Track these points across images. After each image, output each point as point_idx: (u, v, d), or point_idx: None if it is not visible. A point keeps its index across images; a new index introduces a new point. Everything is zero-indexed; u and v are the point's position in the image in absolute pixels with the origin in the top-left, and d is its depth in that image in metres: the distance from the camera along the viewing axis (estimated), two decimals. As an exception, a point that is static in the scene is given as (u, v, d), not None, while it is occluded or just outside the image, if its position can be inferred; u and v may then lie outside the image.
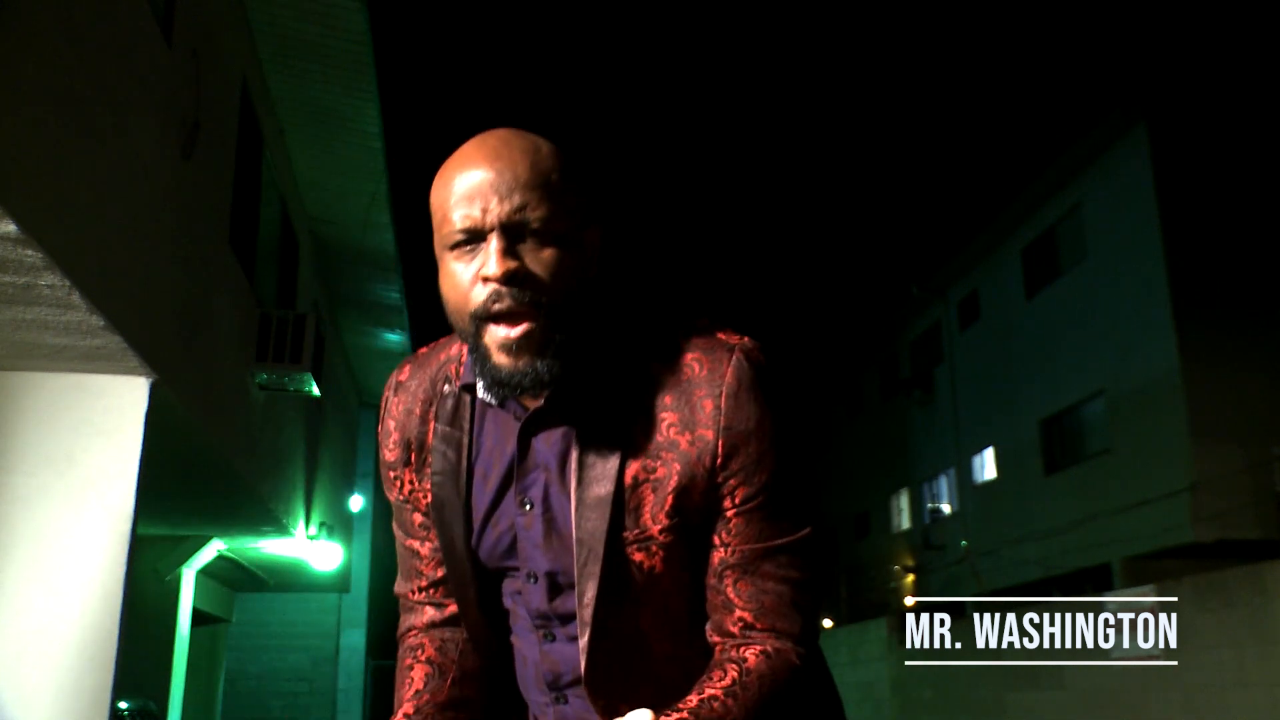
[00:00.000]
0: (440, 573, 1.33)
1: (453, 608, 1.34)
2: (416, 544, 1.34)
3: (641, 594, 1.21)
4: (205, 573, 10.81)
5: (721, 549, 1.20)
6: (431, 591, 1.35)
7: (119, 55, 4.42)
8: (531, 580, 1.24)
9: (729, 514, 1.19)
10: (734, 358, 1.19)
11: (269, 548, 10.42)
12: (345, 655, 16.12)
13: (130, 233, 4.63)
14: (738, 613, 1.20)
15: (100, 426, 5.03)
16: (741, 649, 1.20)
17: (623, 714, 1.19)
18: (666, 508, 1.18)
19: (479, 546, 1.26)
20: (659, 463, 1.17)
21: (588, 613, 1.19)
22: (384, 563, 16.17)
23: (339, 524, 12.34)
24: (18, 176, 3.45)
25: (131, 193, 4.64)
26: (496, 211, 1.11)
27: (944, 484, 21.30)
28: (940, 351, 21.13)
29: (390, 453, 1.32)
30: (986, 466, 19.31)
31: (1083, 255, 16.02)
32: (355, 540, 14.37)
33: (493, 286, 1.11)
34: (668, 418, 1.18)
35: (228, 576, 12.09)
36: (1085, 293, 15.92)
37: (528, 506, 1.22)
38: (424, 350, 1.36)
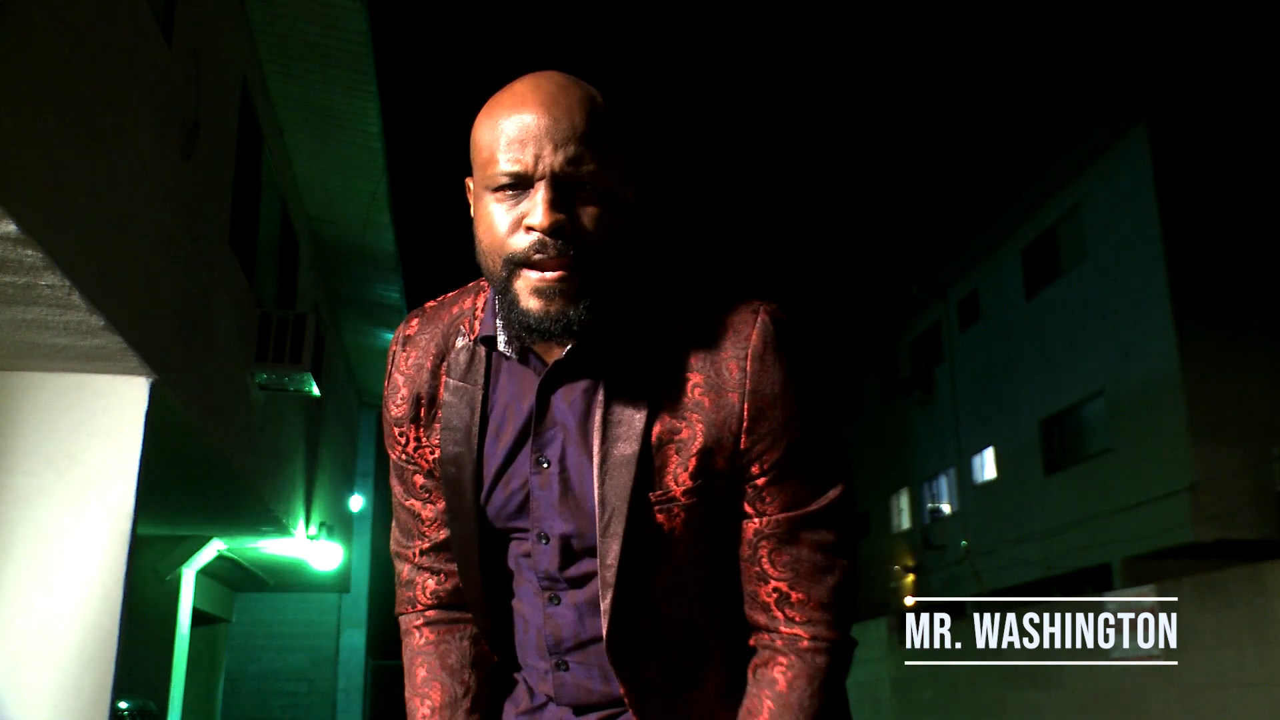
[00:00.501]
0: (442, 535, 1.30)
1: (454, 580, 1.32)
2: (418, 505, 1.31)
3: (659, 557, 1.19)
4: (205, 573, 10.81)
5: (756, 519, 1.19)
6: (434, 556, 1.32)
7: (119, 55, 4.42)
8: (543, 541, 1.22)
9: (759, 481, 1.18)
10: (758, 319, 1.17)
11: (269, 548, 10.42)
12: (345, 655, 16.12)
13: (130, 233, 4.63)
14: (773, 583, 1.19)
15: (100, 426, 5.03)
16: (770, 666, 1.20)
17: (638, 677, 1.21)
18: (690, 469, 1.16)
19: (488, 505, 1.24)
20: (684, 423, 1.16)
21: (610, 574, 1.17)
22: (384, 562, 16.15)
23: (339, 524, 12.34)
24: (18, 176, 3.45)
25: (131, 193, 4.65)
26: (549, 160, 1.09)
27: (944, 484, 21.30)
28: (940, 351, 21.13)
29: (397, 408, 1.28)
30: (986, 466, 19.32)
31: (1083, 255, 16.02)
32: (355, 540, 14.38)
33: (536, 236, 1.09)
34: (693, 378, 1.16)
35: (228, 576, 12.09)
36: (1085, 293, 15.92)
37: (544, 465, 1.20)
38: (432, 304, 1.32)
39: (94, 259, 4.15)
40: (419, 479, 1.30)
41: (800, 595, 1.19)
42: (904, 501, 23.30)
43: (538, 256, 1.09)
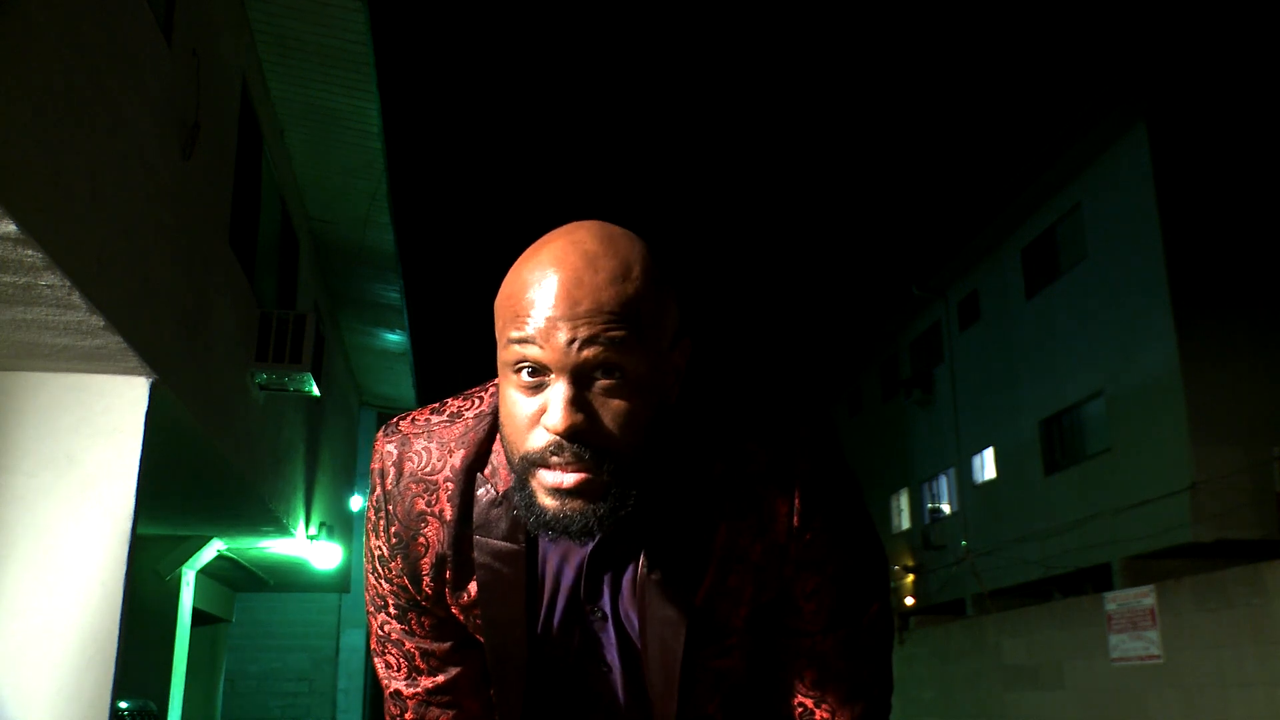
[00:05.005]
0: (455, 671, 1.25)
1: (472, 710, 1.27)
2: (428, 644, 1.24)
3: (715, 690, 1.21)
4: (205, 573, 10.81)
5: (790, 636, 1.19)
6: (449, 693, 1.26)
7: (119, 55, 4.42)
8: (607, 671, 1.22)
9: (799, 601, 1.17)
10: (798, 447, 1.12)
11: (269, 548, 10.43)
12: (345, 655, 16.13)
13: (130, 233, 4.63)
14: (799, 698, 1.20)
15: (100, 426, 5.03)
16: None
17: None
18: (743, 616, 1.15)
19: (539, 648, 1.19)
20: (731, 574, 1.13)
21: (670, 711, 1.18)
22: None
23: (339, 524, 12.34)
24: (18, 176, 3.45)
25: (131, 192, 4.65)
26: (572, 352, 0.97)
27: (944, 484, 21.30)
28: (940, 351, 21.13)
29: (397, 558, 1.18)
30: (986, 466, 19.32)
31: (1082, 255, 16.02)
32: (355, 540, 14.38)
33: (553, 438, 0.99)
34: (737, 527, 1.12)
35: (228, 576, 12.09)
36: (1085, 293, 15.93)
37: (598, 614, 1.17)
38: (429, 420, 1.19)
39: (94, 259, 4.15)
40: (427, 620, 1.22)
41: (825, 715, 1.19)
42: (904, 501, 23.31)
43: (554, 459, 0.99)
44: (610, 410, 0.99)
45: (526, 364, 0.99)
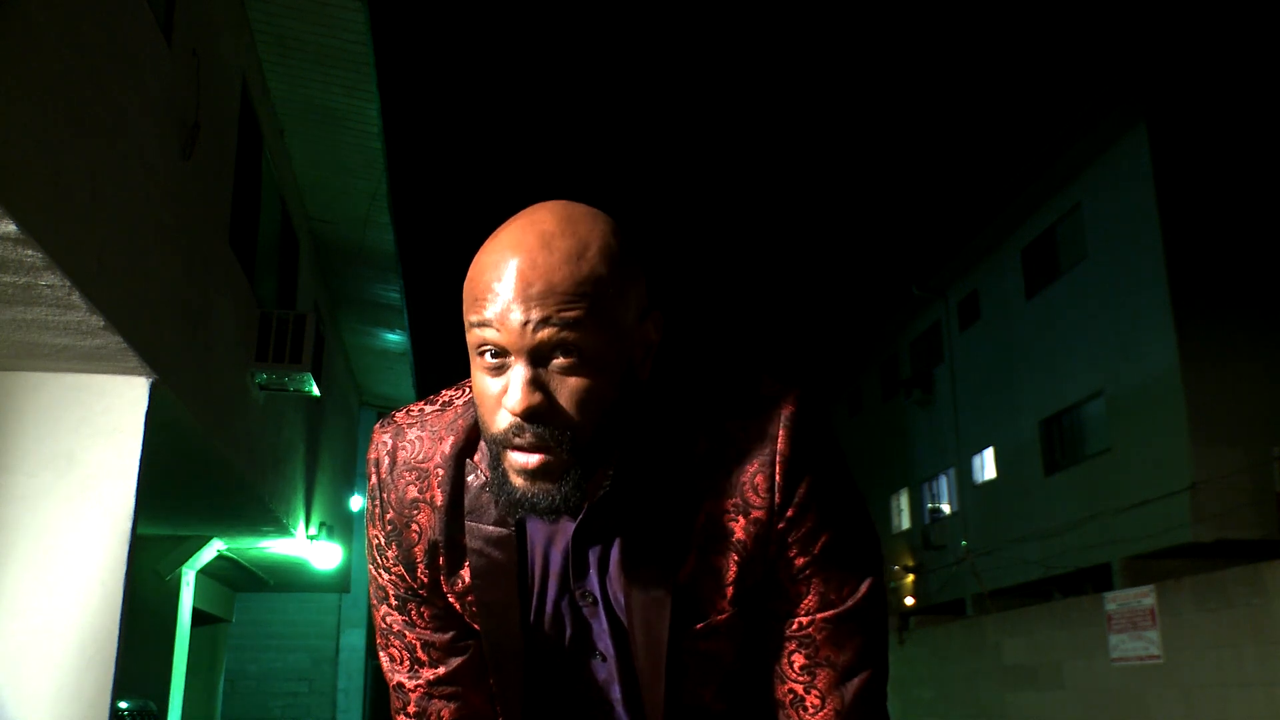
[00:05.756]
0: (456, 661, 1.25)
1: (474, 700, 1.27)
2: (429, 635, 1.24)
3: (707, 675, 1.20)
4: (205, 573, 10.82)
5: (779, 620, 1.17)
6: (449, 684, 1.26)
7: (119, 55, 4.42)
8: (601, 659, 1.21)
9: (785, 584, 1.15)
10: (781, 422, 1.11)
11: (269, 548, 10.43)
12: (345, 655, 16.14)
13: (130, 233, 4.63)
14: (789, 684, 1.18)
15: (100, 426, 5.03)
16: None
17: None
18: (729, 596, 1.14)
19: (533, 634, 1.20)
20: (715, 553, 1.12)
21: (659, 709, 1.18)
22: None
23: (339, 524, 12.34)
24: (18, 176, 3.45)
25: (131, 192, 4.65)
26: (523, 334, 0.99)
27: (944, 484, 21.30)
28: (940, 351, 21.13)
29: (392, 546, 1.20)
30: (986, 466, 19.32)
31: (1082, 255, 16.03)
32: (355, 540, 14.39)
33: (514, 419, 1.01)
34: (721, 504, 1.11)
35: (228, 576, 12.10)
36: (1085, 293, 15.93)
37: (588, 598, 1.17)
38: (422, 410, 1.21)
39: (94, 259, 4.15)
40: (427, 610, 1.23)
41: (815, 700, 1.17)
42: (904, 501, 23.31)
43: (516, 440, 1.02)
44: (568, 390, 1.01)
45: (488, 347, 1.02)
